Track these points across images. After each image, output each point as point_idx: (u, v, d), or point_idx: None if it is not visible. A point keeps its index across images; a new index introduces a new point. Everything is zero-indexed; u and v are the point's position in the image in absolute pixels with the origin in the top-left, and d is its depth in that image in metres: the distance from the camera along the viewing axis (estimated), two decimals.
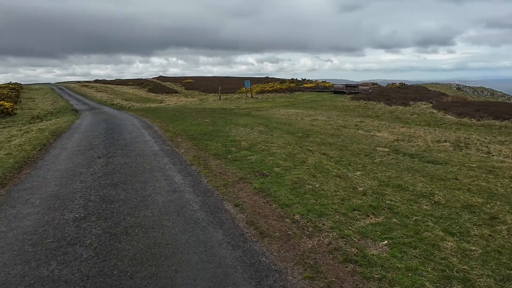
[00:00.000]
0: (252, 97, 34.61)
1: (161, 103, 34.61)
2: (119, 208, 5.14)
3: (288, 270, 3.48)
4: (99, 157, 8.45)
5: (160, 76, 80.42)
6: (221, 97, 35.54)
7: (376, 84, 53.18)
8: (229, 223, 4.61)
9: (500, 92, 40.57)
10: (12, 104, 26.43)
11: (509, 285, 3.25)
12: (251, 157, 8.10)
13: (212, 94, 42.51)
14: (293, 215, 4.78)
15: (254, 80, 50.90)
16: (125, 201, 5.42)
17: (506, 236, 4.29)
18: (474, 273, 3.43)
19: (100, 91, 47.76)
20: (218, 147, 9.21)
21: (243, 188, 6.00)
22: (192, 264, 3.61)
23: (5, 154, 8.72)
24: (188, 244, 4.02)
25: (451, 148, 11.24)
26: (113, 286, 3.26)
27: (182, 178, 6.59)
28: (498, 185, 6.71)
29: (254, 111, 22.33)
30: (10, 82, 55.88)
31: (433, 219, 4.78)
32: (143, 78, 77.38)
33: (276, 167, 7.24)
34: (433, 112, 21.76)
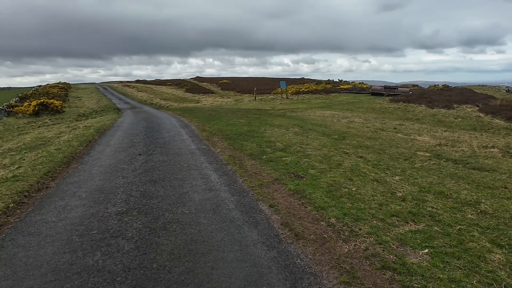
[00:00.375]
0: (287, 98, 34.49)
1: (198, 103, 35.42)
2: (158, 204, 5.33)
3: (324, 274, 3.44)
4: (139, 155, 8.80)
5: (197, 76, 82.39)
6: (256, 98, 35.73)
7: (417, 85, 51.11)
8: (264, 223, 4.64)
9: None
10: (61, 102, 28.20)
11: None
12: (286, 158, 8.08)
13: (247, 94, 42.86)
14: (329, 218, 4.72)
15: (289, 81, 50.68)
16: (164, 198, 5.62)
17: None
18: None
19: (141, 91, 49.73)
20: (253, 147, 9.27)
21: (278, 189, 6.00)
22: (228, 262, 3.67)
23: (55, 149, 9.33)
24: (223, 242, 4.10)
25: (500, 155, 10.55)
26: (152, 279, 3.39)
27: (218, 177, 6.71)
28: None
29: (289, 112, 22.24)
30: (60, 81, 59.72)
31: (479, 229, 4.52)
32: (181, 78, 79.71)
33: (312, 169, 7.17)
34: (480, 116, 20.53)
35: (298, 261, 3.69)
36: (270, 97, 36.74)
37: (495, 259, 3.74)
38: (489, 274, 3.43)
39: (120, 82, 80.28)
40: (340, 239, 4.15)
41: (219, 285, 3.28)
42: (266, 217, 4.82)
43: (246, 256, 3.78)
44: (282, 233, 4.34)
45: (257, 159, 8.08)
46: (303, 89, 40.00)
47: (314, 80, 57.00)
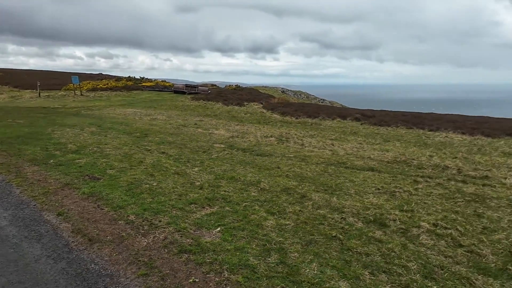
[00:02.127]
0: (82, 94, 30.95)
1: None
2: None
3: (121, 272, 3.33)
4: None
5: None
6: (41, 94, 30.38)
7: (215, 85, 56.01)
8: (49, 235, 4.04)
9: (313, 95, 49.06)
10: None
11: (312, 247, 4.04)
12: (80, 160, 7.29)
13: (28, 90, 35.73)
14: (128, 216, 4.59)
15: (84, 76, 45.72)
16: None
17: (311, 210, 5.29)
18: (287, 242, 4.10)
19: None
20: (37, 152, 7.88)
21: (68, 194, 5.34)
22: None
23: None
24: None
25: (275, 142, 12.97)
26: None
27: None
28: (308, 170, 8.17)
29: (85, 110, 20.07)
30: None
31: (259, 203, 5.44)
32: None
33: (110, 169, 6.76)
34: (263, 112, 24.55)
35: (92, 266, 3.42)
36: (60, 93, 32.04)
37: (269, 224, 4.60)
38: (264, 237, 4.19)
39: None
40: (139, 235, 4.11)
41: None
42: (52, 228, 4.22)
43: (25, 276, 3.20)
44: (73, 241, 3.91)
45: (42, 164, 6.92)
46: (101, 85, 36.85)
47: (114, 77, 53.40)
